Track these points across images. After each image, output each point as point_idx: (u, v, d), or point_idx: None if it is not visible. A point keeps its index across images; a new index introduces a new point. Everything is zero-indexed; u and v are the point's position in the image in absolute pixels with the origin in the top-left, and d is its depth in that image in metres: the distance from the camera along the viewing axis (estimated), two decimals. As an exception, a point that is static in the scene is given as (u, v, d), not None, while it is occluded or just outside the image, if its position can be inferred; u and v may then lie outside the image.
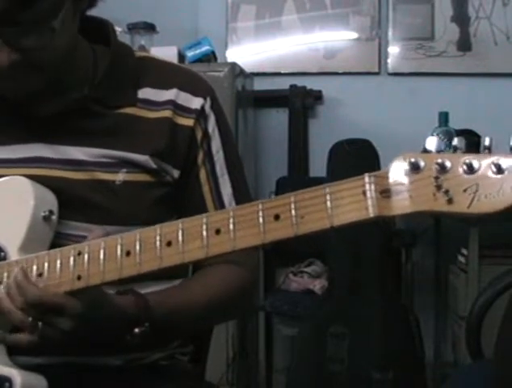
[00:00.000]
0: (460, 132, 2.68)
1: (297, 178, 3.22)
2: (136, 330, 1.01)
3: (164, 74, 1.18)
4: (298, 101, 3.21)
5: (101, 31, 1.18)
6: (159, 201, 1.14)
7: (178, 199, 1.16)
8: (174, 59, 2.78)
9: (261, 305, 2.80)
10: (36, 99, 1.10)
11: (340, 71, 3.27)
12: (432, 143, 0.79)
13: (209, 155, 1.17)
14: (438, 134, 2.60)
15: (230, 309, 1.21)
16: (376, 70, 3.24)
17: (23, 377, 1.00)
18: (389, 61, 3.23)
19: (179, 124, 1.15)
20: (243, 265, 1.18)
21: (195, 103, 1.16)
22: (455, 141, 0.77)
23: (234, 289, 1.18)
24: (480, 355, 1.71)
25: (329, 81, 3.27)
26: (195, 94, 1.17)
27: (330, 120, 3.27)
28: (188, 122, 1.15)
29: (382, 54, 3.24)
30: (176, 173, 1.15)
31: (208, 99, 1.18)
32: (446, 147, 0.80)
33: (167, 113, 1.14)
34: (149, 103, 1.15)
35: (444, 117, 2.69)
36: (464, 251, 2.62)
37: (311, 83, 3.25)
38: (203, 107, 1.16)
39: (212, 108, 1.18)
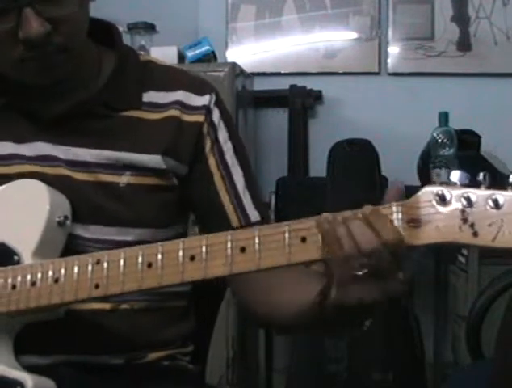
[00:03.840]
0: (460, 132, 2.67)
1: (297, 178, 3.22)
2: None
3: (168, 77, 1.20)
4: (298, 101, 3.21)
5: (106, 33, 1.19)
6: (163, 205, 1.14)
7: (189, 194, 1.17)
8: (174, 59, 2.78)
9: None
10: (45, 98, 1.11)
11: (340, 71, 3.27)
12: (456, 176, 0.81)
13: (217, 144, 1.18)
14: (438, 134, 2.60)
15: None
16: (376, 70, 3.24)
17: (35, 381, 1.01)
18: (389, 61, 3.23)
19: (187, 121, 1.16)
20: None
21: (202, 100, 1.18)
22: (480, 176, 0.80)
23: None
24: (480, 355, 1.71)
25: (329, 81, 3.27)
26: (201, 93, 1.18)
27: (330, 120, 3.27)
28: (197, 118, 1.17)
29: (382, 54, 3.23)
30: (184, 170, 1.15)
31: (213, 95, 1.19)
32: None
33: (174, 112, 1.15)
34: (154, 106, 1.16)
35: (444, 117, 2.68)
36: (464, 251, 2.62)
37: (311, 83, 3.25)
38: (209, 103, 1.18)
39: (217, 104, 1.19)
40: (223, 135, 1.19)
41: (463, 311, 2.49)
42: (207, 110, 1.17)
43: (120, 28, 1.23)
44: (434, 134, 2.61)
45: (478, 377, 1.48)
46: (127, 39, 2.80)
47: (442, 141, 2.58)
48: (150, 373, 1.16)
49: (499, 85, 3.13)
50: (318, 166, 3.06)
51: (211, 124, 1.18)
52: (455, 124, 2.70)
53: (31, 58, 1.02)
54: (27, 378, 1.00)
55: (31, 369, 1.03)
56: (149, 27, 2.90)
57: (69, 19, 1.02)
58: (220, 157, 1.18)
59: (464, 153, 2.60)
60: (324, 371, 2.59)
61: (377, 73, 3.24)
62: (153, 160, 1.12)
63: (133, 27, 2.87)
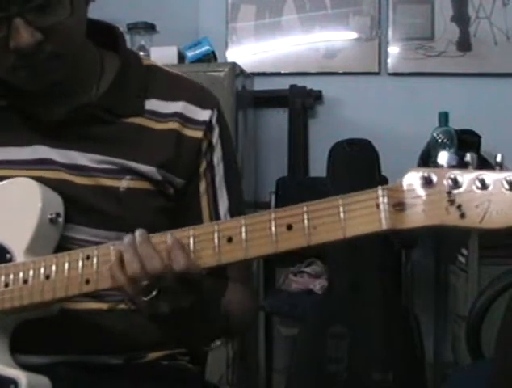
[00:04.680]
0: (460, 132, 2.68)
1: (297, 178, 3.22)
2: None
3: (171, 86, 1.19)
4: (298, 101, 3.21)
5: (109, 36, 1.18)
6: (160, 210, 1.14)
7: (176, 207, 1.17)
8: (174, 59, 2.79)
9: (261, 305, 2.80)
10: (46, 101, 1.11)
11: (340, 71, 3.27)
12: (443, 158, 0.80)
13: (211, 166, 1.18)
14: (438, 134, 2.60)
15: (236, 332, 1.24)
16: (376, 70, 3.24)
17: (29, 378, 1.00)
18: (389, 61, 3.23)
19: (187, 136, 1.15)
20: (248, 285, 1.21)
21: (204, 115, 1.17)
22: (467, 157, 0.80)
23: (247, 314, 1.22)
24: (480, 355, 1.71)
25: (329, 81, 3.27)
26: (203, 106, 1.17)
27: (330, 120, 3.27)
28: (197, 134, 1.16)
29: (382, 54, 3.24)
30: (180, 183, 1.15)
31: (215, 111, 1.19)
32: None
33: (174, 125, 1.15)
34: (156, 115, 1.15)
35: (444, 117, 2.68)
36: (464, 251, 2.62)
37: (311, 83, 3.25)
38: (210, 119, 1.17)
39: (218, 121, 1.19)
40: (217, 156, 1.19)
41: (463, 311, 2.50)
42: (207, 126, 1.17)
43: (120, 28, 1.22)
44: (434, 134, 2.61)
45: (478, 377, 1.48)
46: (127, 39, 2.80)
47: (442, 141, 2.58)
48: (149, 373, 1.16)
49: (499, 85, 3.13)
50: (318, 166, 3.06)
51: (210, 145, 1.17)
52: (455, 124, 2.70)
53: (23, 66, 1.02)
54: (20, 376, 1.00)
55: (29, 368, 1.03)
56: (149, 27, 2.91)
57: (60, 27, 1.01)
58: (211, 180, 1.18)
59: (464, 153, 2.60)
60: (324, 371, 2.59)
61: (377, 73, 3.24)
62: (149, 170, 1.12)
63: (133, 27, 2.88)
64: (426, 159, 2.70)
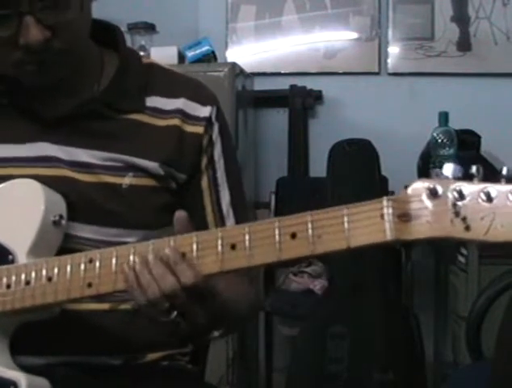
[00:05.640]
0: (460, 132, 2.67)
1: (297, 178, 3.22)
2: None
3: (171, 84, 1.20)
4: (298, 101, 3.21)
5: (109, 35, 1.19)
6: (163, 207, 1.15)
7: (180, 204, 1.17)
8: (174, 59, 2.78)
9: (261, 305, 2.80)
10: (48, 98, 1.12)
11: (340, 71, 3.27)
12: (449, 169, 0.80)
13: (212, 162, 1.19)
14: (438, 134, 2.60)
15: (240, 324, 1.25)
16: (376, 70, 3.24)
17: (29, 380, 1.00)
18: (389, 61, 3.23)
19: (188, 132, 1.16)
20: (254, 280, 1.21)
21: (204, 111, 1.18)
22: (473, 169, 0.79)
23: (252, 307, 1.22)
24: (480, 355, 1.71)
25: (329, 81, 3.27)
26: (203, 103, 1.19)
27: (330, 120, 3.27)
28: (198, 129, 1.17)
29: (382, 54, 3.24)
30: (182, 178, 1.16)
31: (215, 108, 1.20)
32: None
33: (175, 121, 1.16)
34: (157, 111, 1.16)
35: (444, 117, 2.68)
36: (464, 251, 2.61)
37: (311, 83, 3.25)
38: (210, 116, 1.19)
39: (217, 117, 1.20)
40: (218, 151, 1.20)
41: (463, 311, 2.49)
42: (208, 122, 1.18)
43: (120, 28, 1.23)
44: (434, 134, 2.61)
45: (478, 377, 1.48)
46: (127, 39, 2.80)
47: (442, 141, 2.58)
48: (149, 374, 1.16)
49: (499, 85, 3.13)
50: (318, 166, 3.06)
51: (210, 140, 1.19)
52: (455, 124, 2.70)
53: (31, 62, 1.03)
54: (20, 378, 1.00)
55: (28, 369, 1.03)
56: (149, 27, 2.90)
57: (69, 26, 1.03)
58: (212, 175, 1.19)
59: (464, 153, 2.60)
60: (324, 371, 2.59)
61: (377, 73, 3.24)
62: (153, 166, 1.13)
63: (133, 27, 2.88)
64: (426, 159, 2.70)
